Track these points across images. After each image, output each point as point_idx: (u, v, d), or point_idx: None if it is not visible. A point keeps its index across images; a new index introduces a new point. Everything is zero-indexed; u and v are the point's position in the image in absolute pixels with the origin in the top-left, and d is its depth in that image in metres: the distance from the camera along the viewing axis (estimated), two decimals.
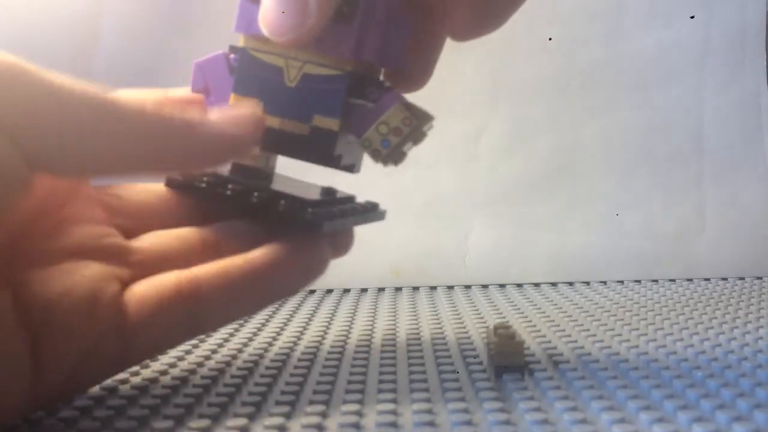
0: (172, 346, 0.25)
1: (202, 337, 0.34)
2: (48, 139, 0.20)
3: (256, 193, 0.26)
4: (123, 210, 0.26)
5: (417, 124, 0.26)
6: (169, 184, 0.27)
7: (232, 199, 0.26)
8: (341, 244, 0.29)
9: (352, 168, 0.28)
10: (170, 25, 0.47)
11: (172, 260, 0.25)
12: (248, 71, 0.26)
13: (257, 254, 0.25)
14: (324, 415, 0.23)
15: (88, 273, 0.23)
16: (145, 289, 0.24)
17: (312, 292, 0.47)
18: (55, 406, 0.24)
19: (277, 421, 0.22)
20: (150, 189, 0.27)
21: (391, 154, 0.26)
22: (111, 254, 0.24)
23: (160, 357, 0.30)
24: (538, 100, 0.50)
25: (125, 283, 0.24)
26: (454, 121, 0.50)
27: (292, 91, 0.26)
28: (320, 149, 0.26)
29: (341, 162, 0.27)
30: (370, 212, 0.29)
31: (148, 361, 0.30)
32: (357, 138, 0.26)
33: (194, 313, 0.24)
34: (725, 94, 0.51)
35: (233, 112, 0.24)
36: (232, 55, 0.27)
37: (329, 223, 0.26)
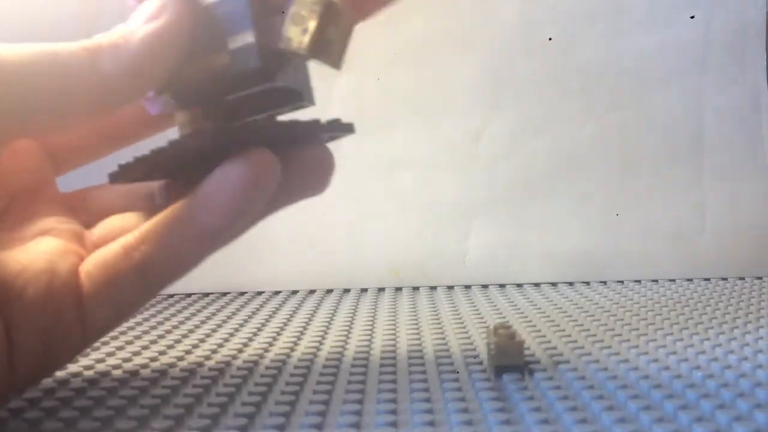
0: (130, 309, 0.25)
1: (202, 336, 0.34)
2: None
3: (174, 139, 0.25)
4: (86, 210, 0.27)
5: (328, 0, 0.24)
6: (113, 180, 0.26)
7: (156, 156, 0.24)
8: (315, 177, 0.27)
9: (300, 98, 0.26)
10: None
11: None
12: None
13: (193, 193, 0.24)
14: (324, 415, 0.23)
15: (44, 248, 0.24)
16: (93, 259, 0.24)
17: (312, 292, 0.47)
18: (27, 388, 0.24)
19: (277, 421, 0.22)
20: (111, 189, 0.28)
21: (317, 44, 0.24)
22: (68, 236, 0.25)
23: (160, 356, 0.30)
24: (538, 100, 0.50)
25: (81, 259, 0.24)
26: (454, 121, 0.50)
27: (201, 31, 0.24)
28: (247, 70, 0.24)
29: (278, 79, 0.25)
30: (318, 125, 0.26)
31: (148, 361, 0.30)
32: (279, 44, 0.24)
33: (145, 269, 0.24)
34: (725, 94, 0.51)
35: (152, 4, 0.24)
36: None
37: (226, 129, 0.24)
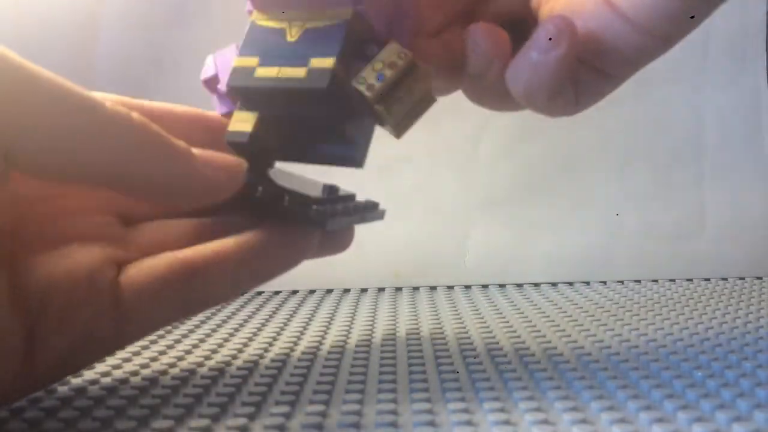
0: (165, 325, 0.26)
1: (202, 336, 0.34)
2: (30, 135, 0.20)
3: (260, 188, 0.26)
4: (124, 200, 0.27)
5: (412, 59, 0.25)
6: None
7: (237, 195, 0.26)
8: (341, 241, 0.30)
9: (353, 158, 0.27)
10: (170, 17, 0.47)
11: (169, 248, 0.25)
12: (253, 36, 0.27)
13: (248, 236, 0.26)
14: (324, 414, 0.23)
15: (87, 257, 0.23)
16: (137, 271, 0.24)
17: (312, 292, 0.47)
18: (46, 387, 0.24)
19: (277, 421, 0.22)
20: None
21: (386, 95, 0.25)
22: (110, 241, 0.25)
23: (160, 357, 0.30)
24: None
25: (122, 268, 0.24)
26: (454, 121, 0.50)
27: (293, 44, 0.26)
28: (313, 92, 0.25)
29: (342, 113, 0.26)
30: (370, 211, 0.29)
31: (148, 361, 0.30)
32: (352, 81, 0.25)
33: (186, 292, 0.24)
34: (725, 94, 0.50)
35: (222, 158, 0.25)
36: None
37: (332, 220, 0.26)
